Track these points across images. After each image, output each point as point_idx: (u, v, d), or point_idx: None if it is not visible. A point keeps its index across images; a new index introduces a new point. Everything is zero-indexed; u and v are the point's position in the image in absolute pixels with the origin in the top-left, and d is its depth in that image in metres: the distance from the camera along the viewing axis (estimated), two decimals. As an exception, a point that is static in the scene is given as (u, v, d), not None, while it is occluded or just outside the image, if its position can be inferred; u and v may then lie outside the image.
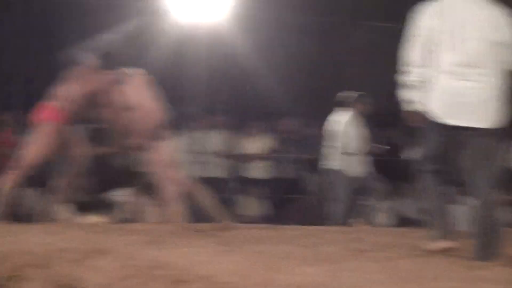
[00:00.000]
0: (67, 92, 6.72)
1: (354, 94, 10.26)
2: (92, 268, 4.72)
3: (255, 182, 12.51)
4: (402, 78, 5.34)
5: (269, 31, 14.76)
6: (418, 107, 5.30)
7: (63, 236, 5.65)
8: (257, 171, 12.75)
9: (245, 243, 5.72)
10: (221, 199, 12.20)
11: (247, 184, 12.49)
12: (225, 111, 13.54)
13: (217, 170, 12.67)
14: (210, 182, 12.19)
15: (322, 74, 16.53)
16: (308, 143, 12.92)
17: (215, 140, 12.62)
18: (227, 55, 14.34)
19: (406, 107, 5.35)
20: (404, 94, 5.35)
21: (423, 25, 5.30)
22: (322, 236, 6.20)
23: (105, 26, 10.91)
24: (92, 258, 4.84)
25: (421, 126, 5.31)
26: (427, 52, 5.26)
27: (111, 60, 6.84)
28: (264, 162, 12.78)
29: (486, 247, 5.04)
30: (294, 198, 12.58)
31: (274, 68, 14.93)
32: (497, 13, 5.27)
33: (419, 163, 5.30)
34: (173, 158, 6.74)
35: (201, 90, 11.48)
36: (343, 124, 9.99)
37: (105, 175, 12.10)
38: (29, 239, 5.49)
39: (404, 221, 11.71)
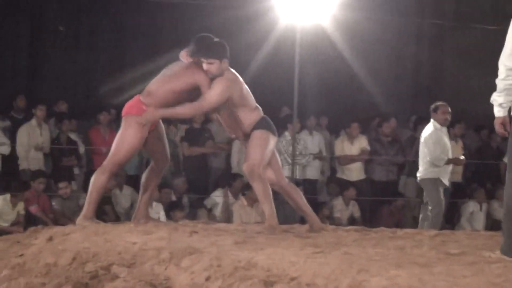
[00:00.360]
0: (162, 86, 6.64)
1: (442, 104, 10.03)
2: (179, 268, 4.75)
3: (350, 184, 12.42)
4: (500, 82, 5.19)
5: (369, 33, 14.68)
6: (506, 112, 5.18)
7: (151, 235, 5.69)
8: (352, 173, 12.66)
9: (335, 245, 5.66)
10: (314, 200, 12.24)
11: (342, 186, 12.42)
12: (322, 113, 13.53)
13: (312, 171, 12.64)
14: (305, 184, 12.24)
15: (423, 76, 16.36)
16: (404, 145, 12.79)
17: (311, 142, 12.59)
18: (327, 56, 14.32)
19: (497, 112, 5.22)
20: (498, 99, 5.21)
21: None
22: (412, 239, 6.09)
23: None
24: (180, 258, 4.87)
25: (505, 132, 5.17)
26: None
27: (206, 47, 6.60)
28: (359, 164, 12.68)
29: None
30: (386, 200, 12.46)
31: (373, 70, 14.84)
32: None
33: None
34: (268, 158, 6.66)
35: (301, 92, 11.45)
36: (436, 134, 9.82)
37: (198, 176, 12.21)
38: (117, 238, 5.55)
39: (496, 224, 11.48)
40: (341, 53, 13.78)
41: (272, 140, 6.70)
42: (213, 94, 6.47)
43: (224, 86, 6.48)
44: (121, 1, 14.88)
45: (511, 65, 5.15)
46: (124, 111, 6.67)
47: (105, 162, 6.59)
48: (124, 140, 6.52)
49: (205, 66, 6.51)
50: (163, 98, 6.55)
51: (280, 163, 6.98)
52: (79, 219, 6.47)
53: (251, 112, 6.69)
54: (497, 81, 5.20)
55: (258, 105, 6.78)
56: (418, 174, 9.92)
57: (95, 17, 14.87)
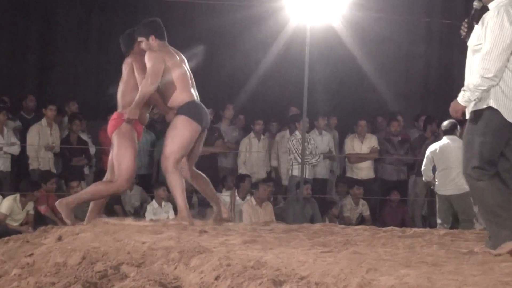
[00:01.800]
0: (122, 93, 6.87)
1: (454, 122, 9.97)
2: (188, 267, 4.75)
3: (359, 182, 12.41)
4: (486, 81, 5.24)
5: (379, 33, 14.66)
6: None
7: (160, 235, 5.70)
8: (361, 171, 12.66)
9: (344, 244, 5.66)
10: (324, 200, 12.24)
11: (351, 185, 12.41)
12: (331, 112, 13.52)
13: (322, 171, 12.64)
14: (314, 183, 12.24)
15: (432, 75, 16.32)
16: (413, 145, 12.77)
17: (320, 141, 12.59)
18: (336, 56, 14.31)
19: (464, 102, 5.34)
20: (476, 94, 5.28)
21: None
22: (421, 238, 6.08)
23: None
24: (189, 257, 4.87)
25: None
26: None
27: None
28: (369, 163, 12.68)
29: None
30: (395, 200, 12.43)
31: (383, 69, 14.82)
32: None
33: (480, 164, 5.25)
34: (188, 148, 6.72)
35: (310, 91, 11.44)
36: (455, 150, 9.69)
37: (208, 175, 12.21)
38: (126, 238, 5.56)
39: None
40: (351, 53, 13.78)
41: (195, 129, 6.76)
42: (148, 68, 6.66)
43: (151, 57, 6.69)
44: (132, 1, 14.91)
45: (498, 69, 5.22)
46: (109, 130, 6.80)
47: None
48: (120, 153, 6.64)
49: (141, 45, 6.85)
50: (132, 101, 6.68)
51: (199, 152, 7.03)
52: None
53: (179, 93, 6.75)
54: (483, 78, 5.23)
55: (193, 90, 6.86)
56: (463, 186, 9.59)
57: (106, 17, 14.89)
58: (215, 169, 12.27)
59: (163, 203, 11.09)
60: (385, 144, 12.74)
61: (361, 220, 11.93)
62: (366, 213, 12.26)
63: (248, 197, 11.47)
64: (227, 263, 4.59)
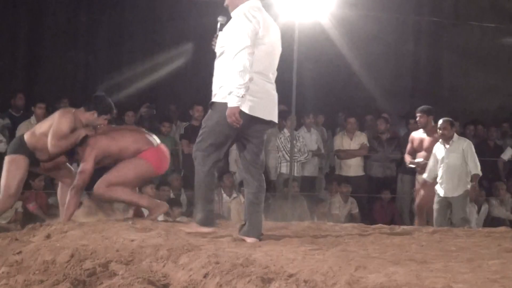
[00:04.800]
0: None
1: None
2: (177, 265, 4.75)
3: (348, 180, 12.41)
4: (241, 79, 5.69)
5: (367, 31, 14.68)
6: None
7: (149, 233, 5.70)
8: (350, 168, 12.66)
9: (332, 242, 5.67)
10: (312, 197, 12.24)
11: (340, 182, 12.41)
12: (320, 110, 13.52)
13: (311, 168, 12.64)
14: (303, 181, 12.24)
15: (420, 73, 16.36)
16: (402, 142, 12.78)
17: (309, 139, 12.59)
18: (325, 54, 14.31)
19: (235, 102, 5.73)
20: (240, 91, 5.71)
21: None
22: (410, 236, 6.11)
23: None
24: (178, 255, 4.88)
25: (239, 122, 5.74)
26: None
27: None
28: (358, 160, 12.69)
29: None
30: (384, 197, 12.46)
31: (371, 67, 14.84)
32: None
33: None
34: None
35: (298, 89, 11.44)
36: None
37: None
38: (115, 235, 5.56)
39: (494, 221, 11.48)
40: (339, 51, 13.77)
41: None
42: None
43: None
44: (119, -2, 14.89)
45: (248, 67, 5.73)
46: None
47: None
48: None
49: None
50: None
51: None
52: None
53: None
54: (241, 73, 5.69)
55: None
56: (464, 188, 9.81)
57: (94, 14, 14.85)
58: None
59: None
60: (373, 142, 12.75)
61: (350, 218, 11.94)
62: (355, 210, 12.26)
63: (235, 195, 11.47)
64: (215, 261, 4.60)
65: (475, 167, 9.79)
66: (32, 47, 14.80)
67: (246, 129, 5.85)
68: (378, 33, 15.13)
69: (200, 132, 6.02)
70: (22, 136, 7.27)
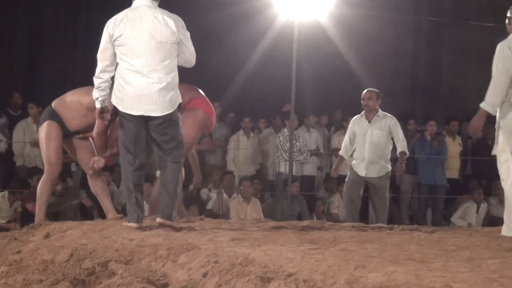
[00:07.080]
0: None
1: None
2: (176, 264, 4.75)
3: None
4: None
5: (366, 30, 14.69)
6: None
7: (148, 232, 5.69)
8: (348, 167, 12.63)
9: (332, 241, 5.67)
10: (312, 197, 12.23)
11: (339, 182, 12.39)
12: (319, 109, 13.53)
13: (310, 168, 12.63)
14: (302, 180, 12.23)
15: (419, 72, 16.37)
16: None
17: (308, 138, 12.58)
18: (324, 53, 14.32)
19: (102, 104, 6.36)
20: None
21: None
22: (409, 236, 6.10)
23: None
24: (177, 254, 4.87)
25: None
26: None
27: None
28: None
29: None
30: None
31: (370, 66, 14.85)
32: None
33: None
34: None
35: (298, 88, 11.44)
36: None
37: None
38: (114, 235, 5.56)
39: (493, 220, 11.47)
40: (339, 50, 13.78)
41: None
42: None
43: None
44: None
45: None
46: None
47: None
48: None
49: None
50: None
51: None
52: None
53: None
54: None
55: None
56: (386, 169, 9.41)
57: (93, 14, 14.84)
58: (202, 166, 12.24)
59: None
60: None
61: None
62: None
63: (235, 194, 11.48)
64: (215, 260, 4.59)
65: (404, 145, 9.13)
66: (30, 47, 14.80)
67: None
68: (377, 32, 15.14)
69: None
70: (51, 105, 7.21)
